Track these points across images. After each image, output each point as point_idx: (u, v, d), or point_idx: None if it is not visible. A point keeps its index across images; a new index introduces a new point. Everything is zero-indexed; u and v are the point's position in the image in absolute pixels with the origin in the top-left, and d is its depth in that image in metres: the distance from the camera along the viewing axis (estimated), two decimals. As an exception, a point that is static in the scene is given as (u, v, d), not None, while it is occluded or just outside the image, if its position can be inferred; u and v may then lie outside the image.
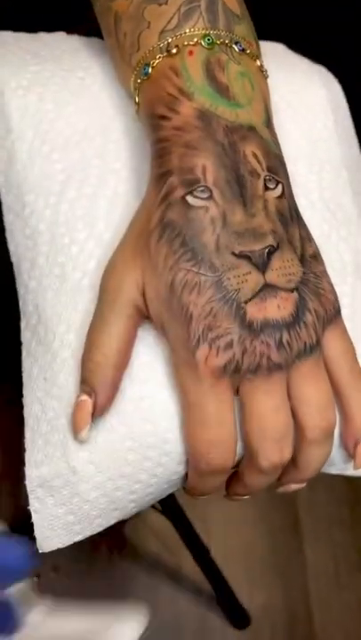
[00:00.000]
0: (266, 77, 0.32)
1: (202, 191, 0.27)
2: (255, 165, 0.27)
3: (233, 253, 0.26)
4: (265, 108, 0.30)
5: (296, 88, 0.37)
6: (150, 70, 0.29)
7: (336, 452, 0.31)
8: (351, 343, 0.29)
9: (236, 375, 0.26)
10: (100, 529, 0.29)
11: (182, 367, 0.27)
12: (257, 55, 0.31)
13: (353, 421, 0.29)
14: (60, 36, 0.37)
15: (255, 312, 0.26)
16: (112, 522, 0.29)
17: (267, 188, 0.27)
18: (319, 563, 1.07)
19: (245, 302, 0.26)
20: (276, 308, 0.26)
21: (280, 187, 0.28)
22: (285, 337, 0.26)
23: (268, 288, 0.26)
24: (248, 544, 1.07)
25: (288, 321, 0.26)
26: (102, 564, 1.02)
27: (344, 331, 0.29)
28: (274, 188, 0.28)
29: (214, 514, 1.07)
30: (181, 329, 0.26)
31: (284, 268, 0.27)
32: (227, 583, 0.95)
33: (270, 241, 0.27)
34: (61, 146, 0.32)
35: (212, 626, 0.99)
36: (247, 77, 0.29)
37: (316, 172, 0.34)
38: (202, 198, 0.27)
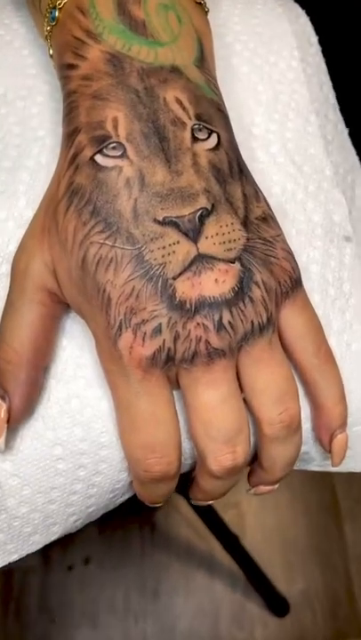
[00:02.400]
0: (205, 11, 0.27)
1: (113, 148, 0.22)
2: (179, 113, 0.23)
3: (155, 220, 0.22)
4: (197, 45, 0.25)
5: (255, 24, 0.32)
6: (58, 14, 0.25)
7: (313, 448, 0.27)
8: (316, 319, 0.25)
9: (171, 365, 0.22)
10: (38, 546, 0.26)
11: (106, 360, 0.23)
12: None
13: (325, 411, 0.25)
14: (-13, -6, 0.33)
15: (187, 289, 0.22)
16: (53, 537, 0.26)
17: (196, 140, 0.23)
18: (359, 543, 1.02)
19: (174, 278, 0.22)
20: (214, 283, 0.22)
21: (214, 136, 0.23)
22: (227, 317, 0.22)
23: (202, 259, 0.22)
24: (284, 527, 1.03)
25: (229, 297, 0.22)
26: (134, 553, 1.01)
27: (306, 305, 0.24)
28: (206, 139, 0.23)
29: (247, 498, 1.03)
30: (100, 314, 0.22)
31: (221, 235, 0.22)
32: (260, 570, 0.92)
33: (203, 202, 0.22)
34: (-22, 114, 0.28)
35: (251, 613, 0.96)
36: (172, 10, 0.25)
37: (278, 121, 0.29)
38: (113, 157, 0.22)
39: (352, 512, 1.05)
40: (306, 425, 0.26)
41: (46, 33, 0.26)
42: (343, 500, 1.06)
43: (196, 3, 0.26)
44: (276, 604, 0.95)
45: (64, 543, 1.06)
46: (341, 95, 0.32)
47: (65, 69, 0.24)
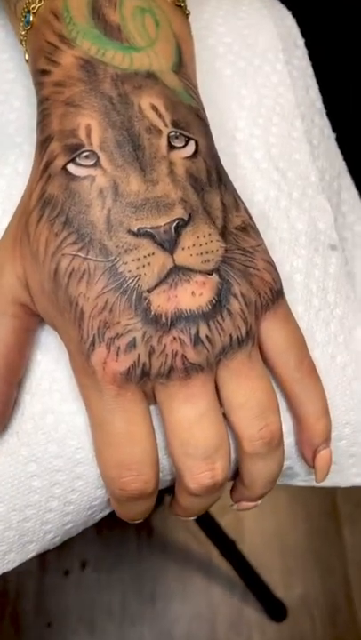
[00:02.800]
0: (186, 14, 0.26)
1: (86, 157, 0.22)
2: (155, 120, 0.22)
3: (130, 231, 0.21)
4: (176, 50, 0.24)
5: (240, 26, 0.31)
6: (32, 18, 0.24)
7: (297, 463, 0.26)
8: (298, 332, 0.24)
9: (146, 380, 0.21)
10: (14, 565, 0.25)
11: (80, 375, 0.22)
12: None
13: (307, 426, 0.24)
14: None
15: (163, 302, 0.21)
16: (30, 555, 0.25)
17: (172, 147, 0.22)
18: (359, 548, 1.01)
19: (149, 291, 0.21)
20: (190, 296, 0.21)
21: (192, 144, 0.23)
22: (204, 330, 0.21)
23: (178, 271, 0.21)
24: (283, 531, 1.02)
25: (206, 310, 0.21)
26: (131, 557, 1.00)
27: (288, 317, 0.24)
28: (183, 147, 0.22)
29: (244, 502, 1.03)
30: (73, 328, 0.21)
31: (198, 246, 0.22)
32: (258, 575, 0.91)
33: (179, 212, 0.21)
34: None
35: (248, 618, 0.95)
36: (150, 13, 0.24)
37: (262, 126, 0.29)
38: (86, 166, 0.22)
39: (352, 516, 1.04)
40: (289, 439, 0.25)
41: (21, 37, 0.25)
42: (343, 504, 1.05)
43: (176, 5, 0.26)
44: (274, 609, 0.94)
45: (60, 547, 1.05)
46: (328, 99, 0.31)
47: (39, 75, 0.24)
